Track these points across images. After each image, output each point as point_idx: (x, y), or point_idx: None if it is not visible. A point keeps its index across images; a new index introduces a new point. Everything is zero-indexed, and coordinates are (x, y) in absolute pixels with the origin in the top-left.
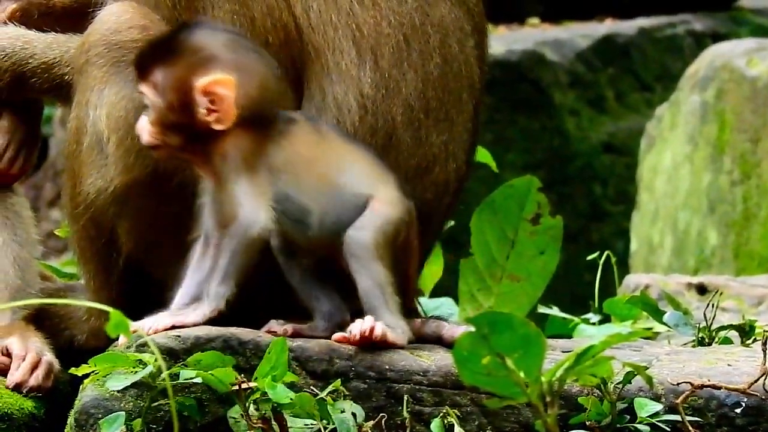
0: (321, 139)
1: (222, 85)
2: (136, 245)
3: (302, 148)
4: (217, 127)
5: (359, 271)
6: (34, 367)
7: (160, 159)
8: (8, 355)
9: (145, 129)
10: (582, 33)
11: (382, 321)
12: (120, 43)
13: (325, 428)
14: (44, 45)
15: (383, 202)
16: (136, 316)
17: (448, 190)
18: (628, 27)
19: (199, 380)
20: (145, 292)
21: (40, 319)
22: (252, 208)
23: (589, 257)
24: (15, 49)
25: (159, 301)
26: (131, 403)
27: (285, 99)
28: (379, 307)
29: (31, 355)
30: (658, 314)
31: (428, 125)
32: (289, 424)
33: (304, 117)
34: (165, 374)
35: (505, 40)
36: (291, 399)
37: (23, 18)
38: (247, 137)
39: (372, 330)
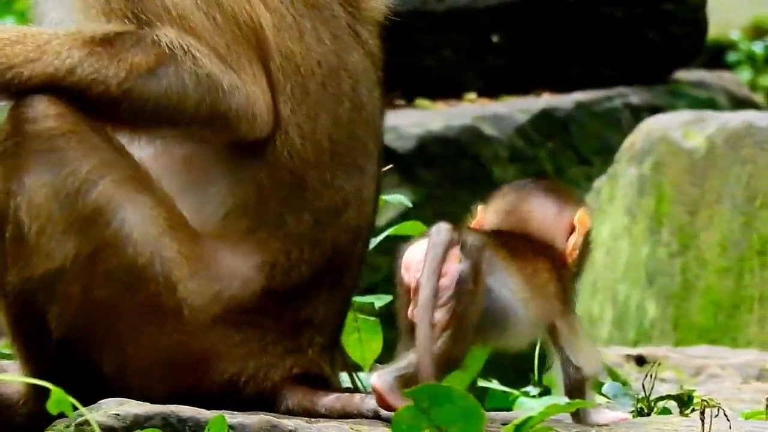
0: None
1: None
2: (67, 330)
3: None
4: None
5: None
6: None
7: None
8: None
9: None
10: (520, 107)
11: None
12: (36, 132)
13: None
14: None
15: None
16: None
17: (360, 236)
18: (566, 101)
19: None
20: (82, 375)
21: None
22: None
23: None
24: None
25: (96, 382)
26: None
27: None
28: None
29: None
30: (597, 385)
31: (334, 168)
32: None
33: None
34: None
35: (443, 116)
36: None
37: None
38: None
39: None
